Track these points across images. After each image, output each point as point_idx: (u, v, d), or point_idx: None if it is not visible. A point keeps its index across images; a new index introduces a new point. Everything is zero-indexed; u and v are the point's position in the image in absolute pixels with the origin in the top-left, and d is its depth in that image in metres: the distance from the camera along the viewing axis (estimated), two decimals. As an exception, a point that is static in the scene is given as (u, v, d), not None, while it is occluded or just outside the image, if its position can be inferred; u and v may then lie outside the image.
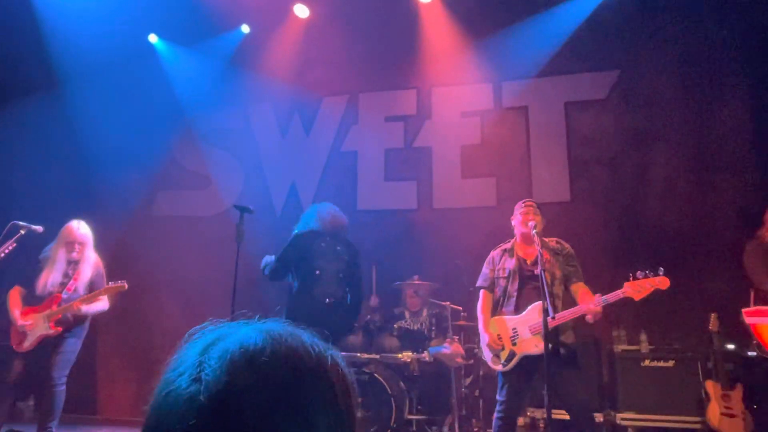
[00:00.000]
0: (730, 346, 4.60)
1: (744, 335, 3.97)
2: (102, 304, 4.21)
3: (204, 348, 0.62)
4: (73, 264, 4.19)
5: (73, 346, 4.12)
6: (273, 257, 3.99)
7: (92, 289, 4.18)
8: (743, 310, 3.74)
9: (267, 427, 0.56)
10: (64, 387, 4.06)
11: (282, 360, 0.61)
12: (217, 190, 6.65)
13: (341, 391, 0.63)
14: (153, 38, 6.81)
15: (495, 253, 3.77)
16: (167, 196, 6.84)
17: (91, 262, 4.25)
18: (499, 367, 3.51)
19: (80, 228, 4.25)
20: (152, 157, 6.69)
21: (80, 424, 5.73)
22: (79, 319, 4.15)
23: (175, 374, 0.60)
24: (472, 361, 4.90)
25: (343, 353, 4.06)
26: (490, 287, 3.71)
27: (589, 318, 3.24)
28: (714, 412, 4.30)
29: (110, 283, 4.14)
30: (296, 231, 4.06)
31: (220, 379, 0.57)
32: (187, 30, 6.56)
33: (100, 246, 6.17)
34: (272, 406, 0.57)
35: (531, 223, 3.48)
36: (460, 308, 4.96)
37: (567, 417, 3.46)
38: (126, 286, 4.13)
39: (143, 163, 6.62)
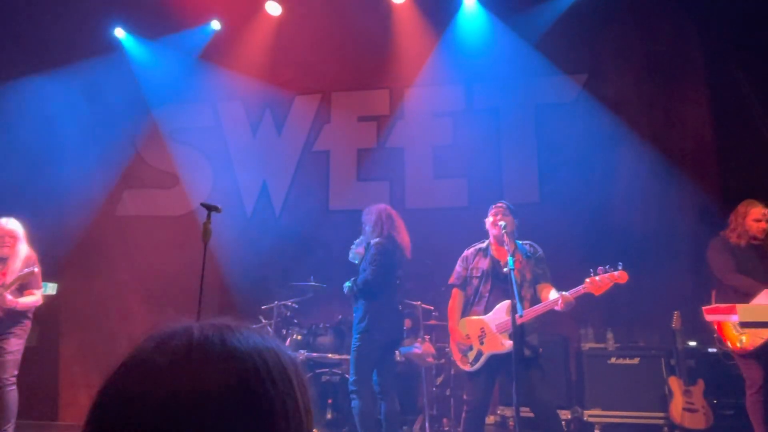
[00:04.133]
0: (692, 343, 4.76)
1: (705, 332, 4.10)
2: (33, 299, 4.11)
3: None
4: (3, 260, 4.08)
5: (15, 346, 4.02)
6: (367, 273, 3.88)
7: (23, 284, 4.06)
8: (703, 308, 3.86)
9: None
10: (14, 387, 3.96)
11: (240, 354, 0.60)
12: (186, 189, 6.51)
13: (298, 388, 0.63)
14: (119, 32, 6.62)
15: (469, 252, 3.79)
16: (133, 195, 6.66)
17: (22, 256, 4.11)
18: (467, 367, 3.54)
19: (9, 223, 4.14)
20: (117, 154, 6.51)
21: (42, 430, 5.55)
22: (15, 316, 4.02)
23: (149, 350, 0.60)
24: (443, 361, 4.93)
25: (315, 354, 4.03)
26: (462, 285, 3.73)
27: (560, 306, 3.27)
28: (676, 407, 4.43)
29: (25, 270, 4.01)
30: (376, 239, 3.96)
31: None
32: (155, 25, 6.41)
33: (61, 246, 6.02)
34: (226, 400, 0.57)
35: (501, 224, 3.52)
36: (432, 308, 4.98)
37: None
38: (36, 270, 4.03)
39: (108, 160, 6.44)
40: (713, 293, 3.92)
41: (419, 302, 4.88)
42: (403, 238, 4.08)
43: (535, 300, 3.53)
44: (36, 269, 4.05)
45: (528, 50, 5.91)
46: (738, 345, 3.63)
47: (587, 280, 3.28)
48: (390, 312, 3.92)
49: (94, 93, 6.41)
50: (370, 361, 3.80)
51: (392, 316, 3.93)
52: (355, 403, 3.74)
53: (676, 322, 4.63)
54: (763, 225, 3.74)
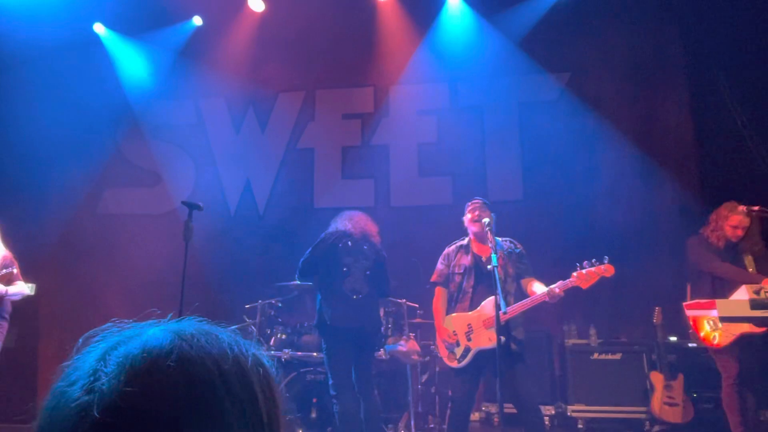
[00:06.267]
0: (673, 338, 4.83)
1: (685, 328, 4.16)
2: (21, 286, 4.05)
3: (103, 353, 0.55)
4: None
5: None
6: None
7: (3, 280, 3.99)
8: (684, 303, 3.92)
9: None
10: None
11: (191, 363, 0.54)
12: (168, 187, 6.43)
13: (263, 394, 0.58)
14: (99, 28, 6.50)
15: (450, 250, 3.81)
16: (114, 194, 6.56)
17: None
18: (454, 364, 3.55)
19: None
20: (97, 152, 6.40)
21: (19, 433, 5.43)
22: None
23: (66, 384, 0.54)
24: (428, 358, 4.93)
25: (299, 353, 3.96)
26: (445, 283, 3.75)
27: (547, 297, 3.29)
28: (657, 401, 4.50)
29: (3, 271, 3.94)
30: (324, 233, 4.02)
31: (116, 389, 0.50)
32: (135, 20, 6.31)
33: (40, 246, 5.89)
34: (177, 416, 0.51)
35: (485, 220, 3.54)
36: (416, 305, 4.98)
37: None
38: (14, 270, 3.99)
39: (88, 158, 6.32)
40: (689, 287, 3.99)
41: (404, 300, 4.88)
42: (363, 228, 3.97)
43: (520, 294, 3.55)
44: (14, 270, 3.97)
45: (512, 49, 5.95)
46: (712, 341, 3.70)
47: (574, 273, 3.32)
48: (338, 301, 3.75)
49: (73, 90, 6.29)
50: (341, 360, 3.69)
51: (342, 305, 3.74)
52: (336, 408, 3.67)
53: (657, 317, 4.70)
54: (738, 233, 3.82)
